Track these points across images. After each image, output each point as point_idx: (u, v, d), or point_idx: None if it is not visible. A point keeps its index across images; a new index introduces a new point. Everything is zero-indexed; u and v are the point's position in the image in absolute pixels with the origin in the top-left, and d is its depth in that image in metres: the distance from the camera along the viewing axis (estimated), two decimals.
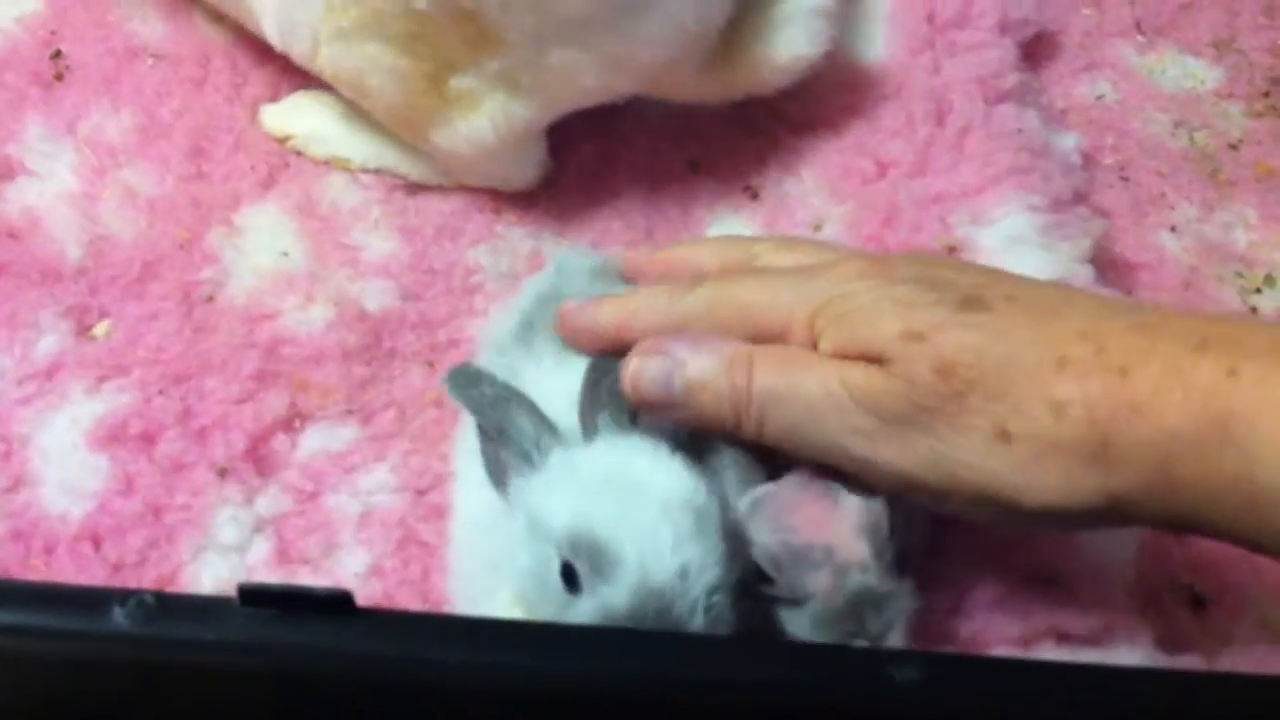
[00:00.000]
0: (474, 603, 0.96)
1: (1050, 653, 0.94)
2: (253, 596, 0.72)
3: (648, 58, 1.22)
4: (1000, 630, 0.95)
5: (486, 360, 1.07)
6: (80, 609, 0.73)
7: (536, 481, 0.90)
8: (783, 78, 1.30)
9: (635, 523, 0.83)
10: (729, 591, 0.84)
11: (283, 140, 1.34)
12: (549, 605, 0.86)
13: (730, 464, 0.95)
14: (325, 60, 1.22)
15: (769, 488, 0.93)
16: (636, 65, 1.23)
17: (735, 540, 0.88)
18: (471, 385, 0.96)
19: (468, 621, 0.78)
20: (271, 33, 1.25)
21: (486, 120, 1.23)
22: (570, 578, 0.84)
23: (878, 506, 0.89)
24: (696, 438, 0.95)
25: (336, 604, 0.72)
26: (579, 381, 0.97)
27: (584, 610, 0.83)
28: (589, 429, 0.93)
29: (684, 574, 0.82)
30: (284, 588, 0.72)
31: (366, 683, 0.72)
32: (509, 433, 0.92)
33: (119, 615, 0.72)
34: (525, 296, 1.14)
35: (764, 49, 1.28)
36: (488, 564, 0.94)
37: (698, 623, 0.81)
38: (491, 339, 1.12)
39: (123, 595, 0.73)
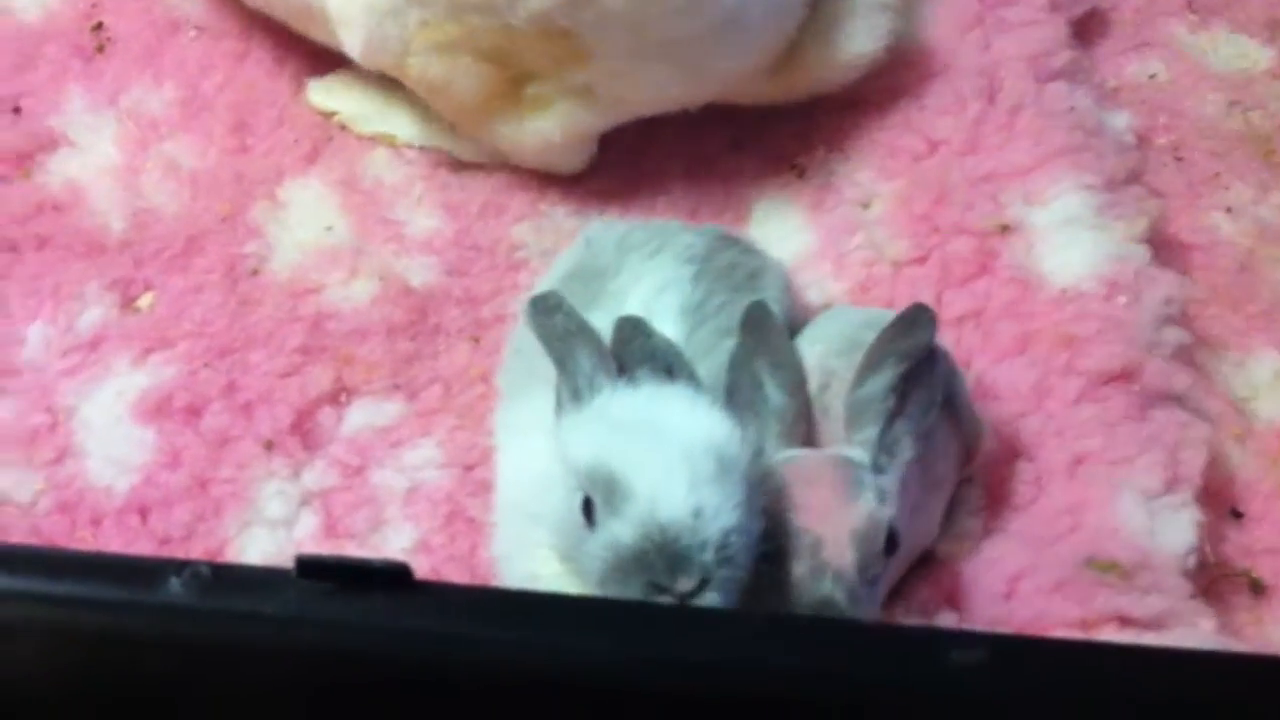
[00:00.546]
0: (511, 561, 0.97)
1: (1111, 637, 0.92)
2: (310, 569, 0.71)
3: (728, 68, 1.24)
4: (1060, 615, 0.94)
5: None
6: (136, 580, 0.72)
7: (579, 418, 0.91)
8: (846, 75, 1.30)
9: (651, 461, 0.84)
10: (748, 536, 0.83)
11: (328, 116, 1.33)
12: (575, 546, 0.87)
13: (775, 419, 0.95)
14: (413, 68, 1.23)
15: (800, 453, 0.93)
16: (717, 76, 1.24)
17: (765, 492, 0.88)
18: (547, 314, 0.96)
19: (526, 596, 0.77)
20: (353, 44, 1.24)
21: (555, 123, 1.24)
22: (589, 511, 0.85)
23: (884, 515, 0.88)
24: (745, 393, 0.96)
25: (395, 577, 0.71)
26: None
27: (596, 544, 0.84)
28: (628, 379, 0.94)
29: (698, 513, 0.82)
30: (342, 560, 0.71)
31: (424, 656, 0.71)
32: (568, 366, 0.93)
33: (175, 586, 0.71)
34: (556, 271, 1.13)
35: (828, 49, 1.29)
36: (529, 518, 0.94)
37: (707, 559, 0.81)
38: None
39: (179, 566, 0.72)
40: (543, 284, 1.13)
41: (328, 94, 1.34)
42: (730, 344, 1.00)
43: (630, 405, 0.90)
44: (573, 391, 0.93)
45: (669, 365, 0.95)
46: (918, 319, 0.95)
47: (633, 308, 1.03)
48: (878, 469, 0.91)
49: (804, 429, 0.97)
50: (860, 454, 0.92)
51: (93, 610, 0.72)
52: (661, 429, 0.86)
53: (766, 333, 0.98)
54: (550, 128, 1.24)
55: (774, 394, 0.96)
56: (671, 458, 0.84)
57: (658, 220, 1.23)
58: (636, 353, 0.95)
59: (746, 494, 0.85)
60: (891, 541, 0.88)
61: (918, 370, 0.94)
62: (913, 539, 0.97)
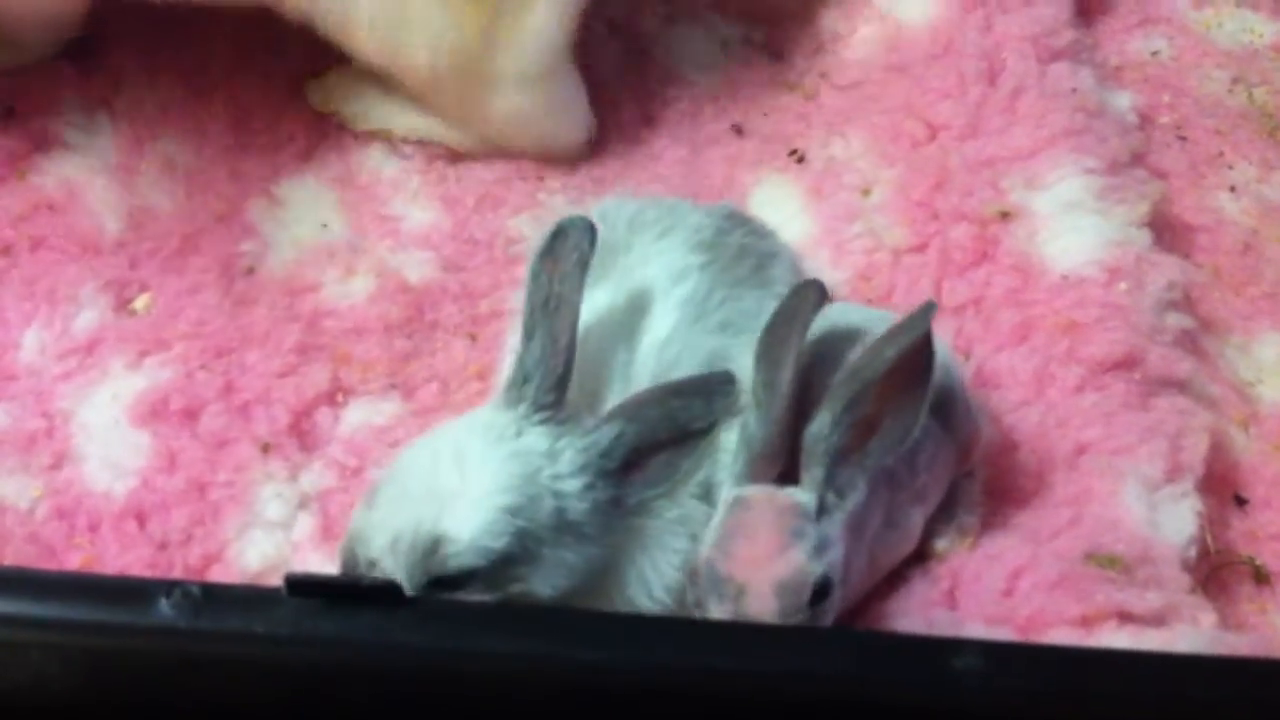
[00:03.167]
0: None
1: (1112, 634, 0.92)
2: (300, 587, 0.71)
3: None
4: (1060, 611, 0.93)
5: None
6: (125, 601, 0.72)
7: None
8: None
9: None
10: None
11: (326, 114, 1.32)
12: None
13: (745, 447, 0.92)
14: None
15: (748, 493, 0.90)
16: None
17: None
18: (551, 259, 0.96)
19: (517, 610, 0.77)
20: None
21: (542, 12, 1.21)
22: None
23: (815, 569, 0.85)
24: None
25: (385, 594, 0.71)
26: None
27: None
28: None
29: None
30: (331, 578, 0.71)
31: (416, 672, 0.71)
32: (521, 344, 0.94)
33: (165, 607, 0.71)
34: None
35: None
36: None
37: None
38: None
39: (168, 586, 0.72)
40: None
41: (325, 93, 1.33)
42: (723, 341, 1.00)
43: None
44: (512, 382, 0.94)
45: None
46: (871, 358, 0.90)
47: (637, 288, 1.03)
48: (823, 510, 0.88)
49: (775, 462, 0.91)
50: (807, 497, 0.89)
51: (84, 633, 0.72)
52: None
53: (783, 337, 0.93)
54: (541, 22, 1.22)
55: (752, 420, 0.92)
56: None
57: (669, 198, 1.21)
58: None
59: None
60: (821, 592, 0.85)
61: (898, 399, 0.90)
62: (886, 556, 0.96)
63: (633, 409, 0.93)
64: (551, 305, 0.95)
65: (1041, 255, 1.18)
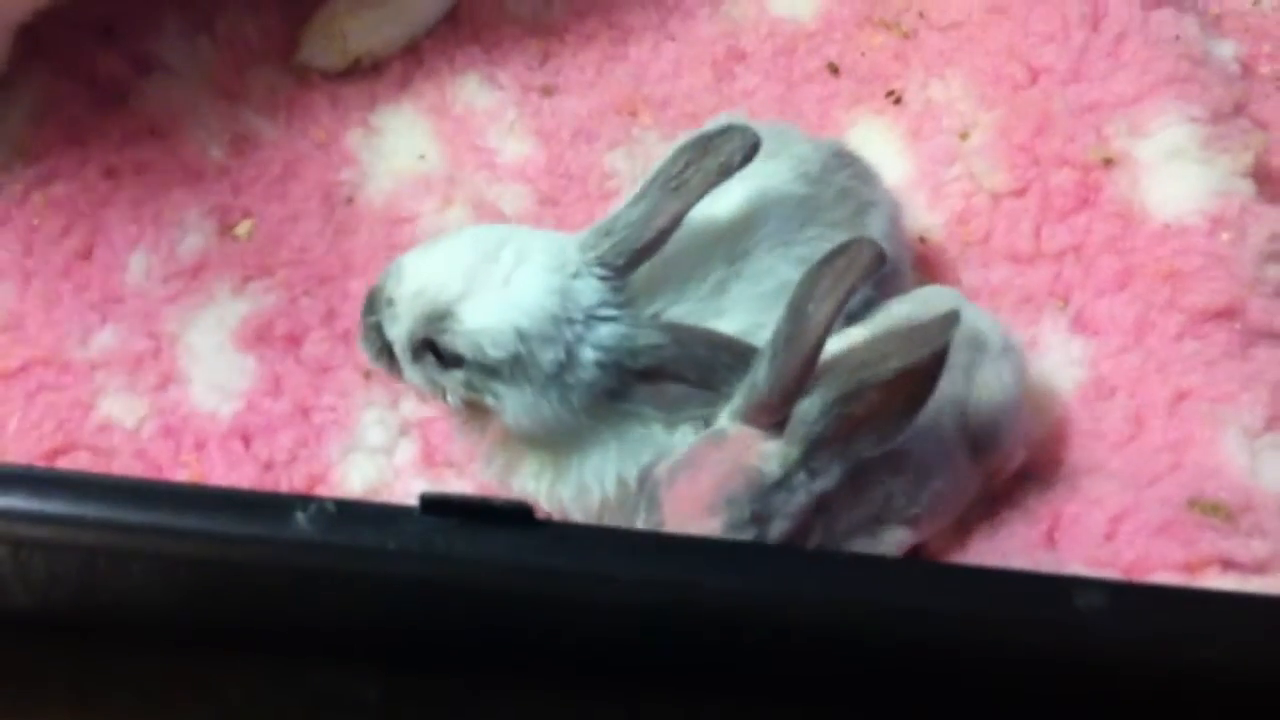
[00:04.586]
0: None
1: (1215, 580, 0.92)
2: (434, 506, 0.72)
3: None
4: (1163, 556, 0.93)
5: None
6: (263, 515, 0.74)
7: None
8: None
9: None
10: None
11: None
12: None
13: (741, 392, 0.91)
14: None
15: (717, 432, 0.89)
16: None
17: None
18: (706, 149, 0.96)
19: (650, 537, 0.78)
20: None
21: None
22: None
23: (743, 536, 0.85)
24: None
25: (517, 515, 0.72)
26: None
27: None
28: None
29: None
30: (465, 498, 0.72)
31: (547, 593, 0.72)
32: (624, 204, 0.97)
33: (301, 521, 0.73)
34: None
35: None
36: None
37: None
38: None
39: (304, 501, 0.73)
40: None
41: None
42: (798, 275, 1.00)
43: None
44: (599, 225, 0.97)
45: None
46: (878, 360, 0.86)
47: (732, 205, 1.02)
48: (787, 486, 0.87)
49: (775, 413, 0.88)
50: (774, 467, 0.87)
51: (221, 544, 0.73)
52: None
53: (822, 293, 0.88)
54: None
55: (763, 369, 0.89)
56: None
57: (781, 123, 1.19)
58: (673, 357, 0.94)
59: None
60: None
61: (893, 405, 0.86)
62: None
63: (686, 336, 0.94)
64: (672, 185, 0.95)
65: (1144, 203, 1.17)
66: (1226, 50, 1.32)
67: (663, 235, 0.95)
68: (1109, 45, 1.26)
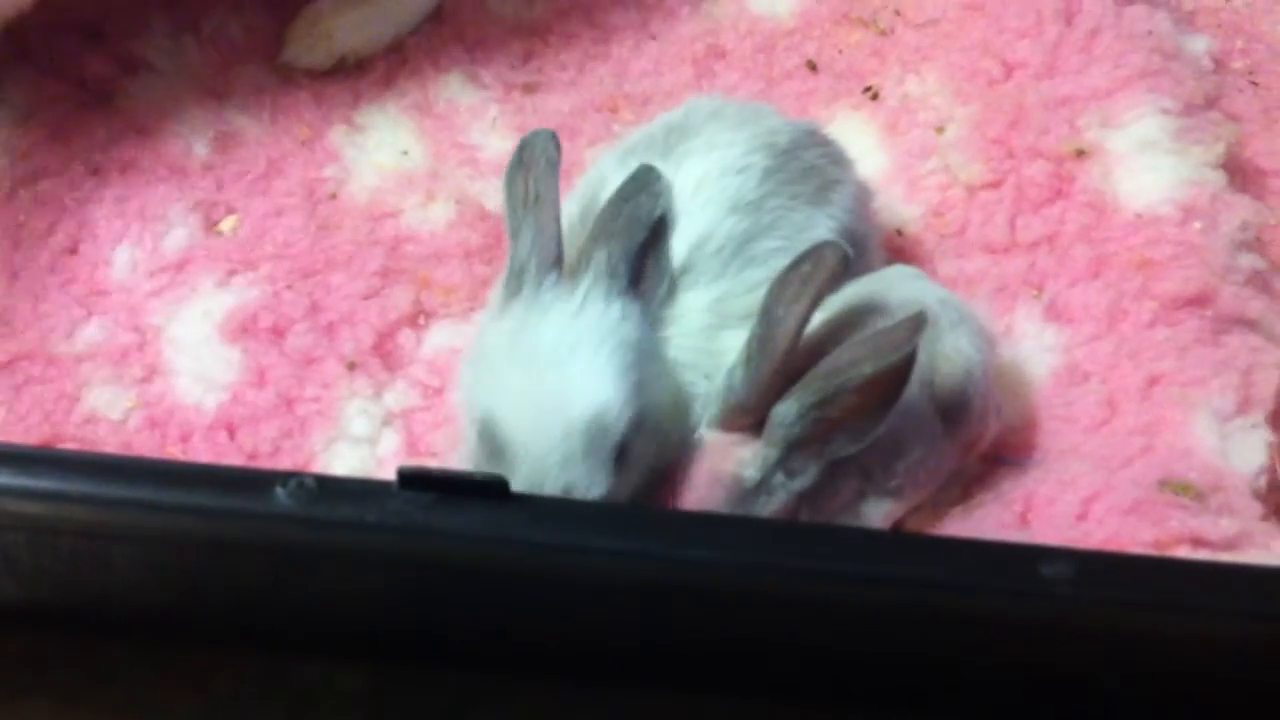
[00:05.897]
0: None
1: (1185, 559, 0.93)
2: (412, 480, 0.73)
3: None
4: (1134, 535, 0.95)
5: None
6: (243, 489, 0.75)
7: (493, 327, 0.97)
8: None
9: (532, 433, 0.90)
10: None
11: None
12: None
13: (719, 396, 0.93)
14: None
15: (707, 439, 0.92)
16: None
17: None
18: (520, 169, 1.00)
19: (626, 509, 0.79)
20: None
21: None
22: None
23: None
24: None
25: (494, 489, 0.73)
26: None
27: None
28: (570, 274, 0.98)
29: (568, 489, 0.87)
30: (443, 472, 0.73)
31: (525, 566, 0.73)
32: (513, 243, 0.98)
33: (281, 496, 0.74)
34: (656, 125, 1.12)
35: None
36: None
37: None
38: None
39: (284, 477, 0.74)
40: (644, 128, 1.13)
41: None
42: (761, 242, 1.02)
43: (528, 330, 0.94)
44: (510, 274, 0.97)
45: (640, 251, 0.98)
46: (851, 364, 0.89)
47: (692, 173, 1.04)
48: (766, 489, 0.89)
49: (753, 415, 0.91)
50: (752, 472, 0.90)
51: (200, 518, 0.74)
52: (546, 384, 0.91)
53: (792, 297, 0.91)
54: None
55: (738, 374, 0.92)
56: (550, 430, 0.88)
57: (758, 103, 1.20)
58: (620, 222, 0.97)
59: (614, 462, 0.88)
60: None
61: (868, 406, 0.89)
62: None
63: (598, 232, 0.98)
64: (531, 200, 0.99)
65: (1116, 193, 1.19)
66: (1199, 45, 1.34)
67: (559, 239, 0.98)
68: (1082, 40, 1.28)
